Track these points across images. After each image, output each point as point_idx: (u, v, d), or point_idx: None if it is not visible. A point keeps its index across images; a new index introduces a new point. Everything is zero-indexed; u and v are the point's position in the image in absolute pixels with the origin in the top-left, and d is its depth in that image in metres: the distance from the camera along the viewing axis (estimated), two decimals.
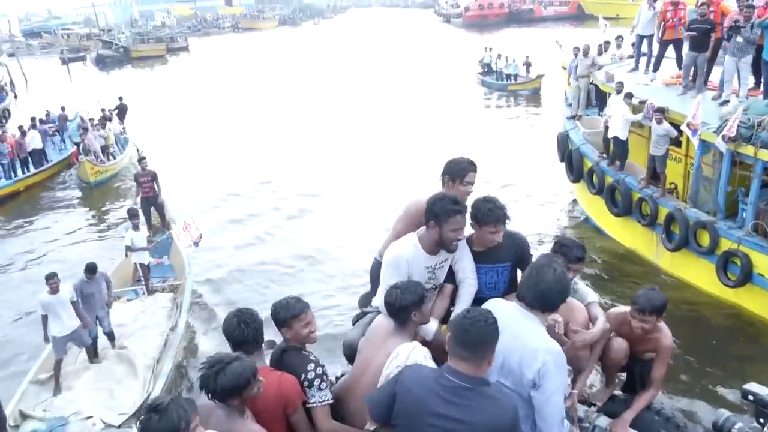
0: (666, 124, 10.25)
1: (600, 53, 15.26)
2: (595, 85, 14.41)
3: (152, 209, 13.00)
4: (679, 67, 11.94)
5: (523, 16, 66.55)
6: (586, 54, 14.41)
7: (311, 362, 3.14)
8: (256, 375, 2.84)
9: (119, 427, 7.25)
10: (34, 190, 18.38)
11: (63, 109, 23.41)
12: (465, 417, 2.49)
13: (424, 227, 3.54)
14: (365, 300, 4.39)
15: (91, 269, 8.23)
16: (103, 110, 21.16)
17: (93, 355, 8.37)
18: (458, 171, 3.75)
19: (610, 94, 12.39)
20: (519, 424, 2.62)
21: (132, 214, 10.67)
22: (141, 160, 13.27)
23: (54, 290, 7.65)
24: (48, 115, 22.57)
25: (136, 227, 10.39)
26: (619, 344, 3.87)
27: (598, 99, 14.65)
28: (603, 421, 3.82)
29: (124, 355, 8.48)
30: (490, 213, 3.47)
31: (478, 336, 2.54)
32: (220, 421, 2.80)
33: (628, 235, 11.92)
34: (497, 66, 30.87)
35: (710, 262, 9.63)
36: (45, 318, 7.71)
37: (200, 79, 41.15)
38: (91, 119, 19.35)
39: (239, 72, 43.12)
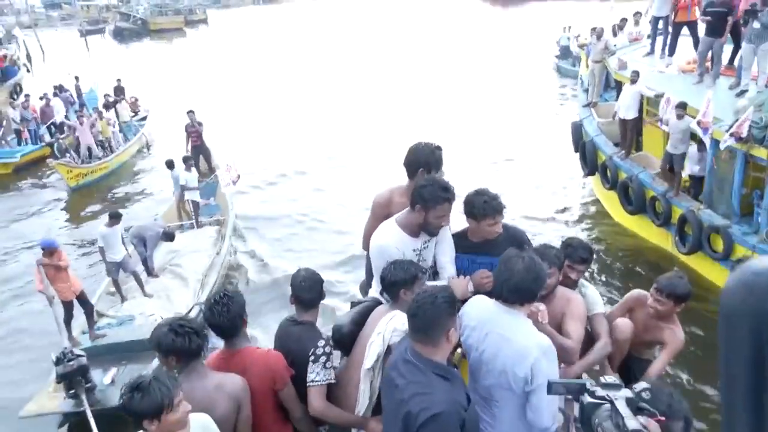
0: (687, 119, 9.42)
1: (615, 33, 14.40)
2: None
3: (200, 157, 14.98)
4: (697, 51, 11.14)
5: None
6: (599, 37, 13.49)
7: (322, 339, 3.22)
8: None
9: None
10: None
11: (69, 84, 22.59)
12: (403, 395, 2.57)
13: (403, 211, 3.52)
14: (366, 288, 4.35)
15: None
16: (106, 96, 20.18)
17: (139, 282, 9.90)
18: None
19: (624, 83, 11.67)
20: (429, 422, 2.48)
21: (185, 159, 12.70)
22: (189, 113, 15.36)
23: (111, 224, 9.38)
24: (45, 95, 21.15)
25: (188, 169, 12.24)
26: (624, 323, 3.79)
27: (617, 81, 13.77)
28: None
29: (176, 271, 10.47)
30: (486, 206, 3.42)
31: (426, 319, 2.56)
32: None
33: (644, 232, 11.31)
34: (575, 49, 25.45)
35: (726, 267, 9.00)
36: (102, 249, 9.43)
37: (219, 52, 40.48)
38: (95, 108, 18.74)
39: (259, 47, 42.01)
